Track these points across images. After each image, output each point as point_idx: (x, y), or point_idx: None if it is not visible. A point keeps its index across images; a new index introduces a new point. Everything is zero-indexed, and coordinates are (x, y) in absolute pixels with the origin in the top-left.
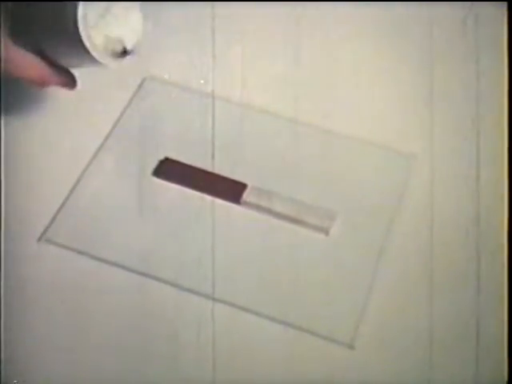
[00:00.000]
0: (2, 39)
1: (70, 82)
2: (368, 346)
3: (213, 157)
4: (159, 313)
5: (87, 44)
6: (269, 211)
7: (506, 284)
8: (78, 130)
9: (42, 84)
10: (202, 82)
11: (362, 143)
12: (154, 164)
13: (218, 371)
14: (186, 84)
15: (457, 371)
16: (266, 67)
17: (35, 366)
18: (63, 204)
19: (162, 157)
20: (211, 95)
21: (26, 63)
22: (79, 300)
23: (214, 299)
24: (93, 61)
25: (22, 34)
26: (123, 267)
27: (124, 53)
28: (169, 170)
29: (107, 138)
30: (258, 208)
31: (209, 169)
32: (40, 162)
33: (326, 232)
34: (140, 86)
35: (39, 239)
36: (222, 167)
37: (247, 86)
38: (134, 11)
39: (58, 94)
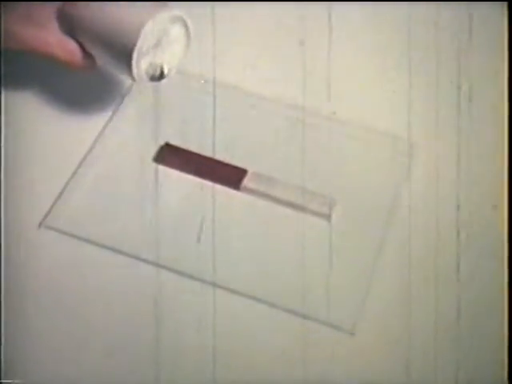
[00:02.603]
0: (49, 23)
1: (91, 65)
2: (369, 333)
3: (213, 143)
4: (160, 299)
5: (134, 72)
6: (269, 197)
7: (506, 283)
8: (79, 117)
9: (69, 65)
10: (202, 81)
11: (364, 131)
12: (154, 150)
13: (218, 358)
14: (186, 80)
15: (457, 370)
16: (267, 57)
17: (35, 356)
18: (63, 190)
19: (162, 143)
20: (212, 83)
21: (62, 46)
22: (79, 286)
23: (214, 285)
24: (131, 78)
25: (71, 29)
26: (123, 253)
27: (161, 76)
28: (169, 155)
29: (107, 124)
30: (259, 194)
31: (209, 155)
32: (40, 149)
33: (328, 218)
34: None
35: (39, 225)
36: (222, 153)
37: (248, 79)
38: (181, 40)
39: (57, 82)
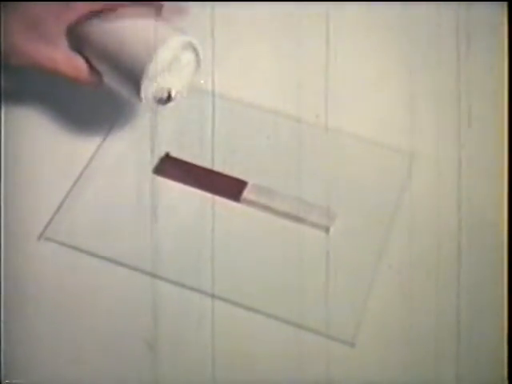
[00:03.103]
0: (58, 39)
1: (98, 82)
2: (369, 344)
3: (213, 154)
4: (159, 311)
5: (142, 96)
6: (269, 209)
7: (506, 284)
8: (78, 129)
9: (75, 81)
10: (202, 81)
11: (363, 142)
12: (154, 162)
13: (217, 370)
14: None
15: (457, 370)
16: (267, 66)
17: (35, 366)
18: (63, 202)
19: (162, 154)
20: (211, 93)
21: (70, 62)
22: (79, 297)
23: (213, 297)
24: (138, 100)
25: (80, 47)
26: (122, 265)
27: (168, 99)
28: (169, 167)
29: (106, 136)
30: (259, 206)
31: (209, 166)
32: (40, 161)
33: (327, 230)
34: None
35: (39, 237)
36: (222, 165)
37: (248, 84)
38: (191, 65)
39: (57, 95)
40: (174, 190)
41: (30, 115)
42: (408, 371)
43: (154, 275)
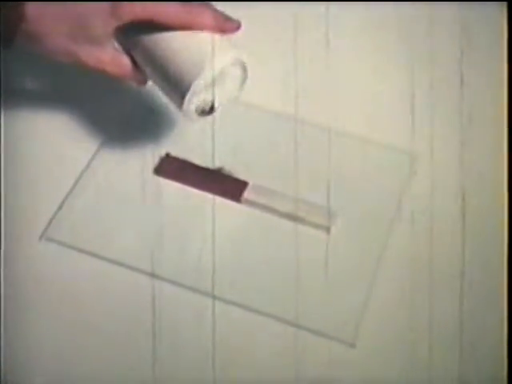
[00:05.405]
0: (104, 41)
1: (143, 80)
2: (369, 345)
3: (213, 154)
4: (159, 311)
5: (185, 108)
6: (269, 209)
7: (506, 284)
8: (80, 128)
9: (120, 79)
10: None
11: (363, 142)
12: (155, 162)
13: (217, 370)
14: None
15: (457, 370)
16: (267, 66)
17: (35, 366)
18: (64, 202)
19: (162, 154)
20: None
21: (115, 62)
22: (79, 298)
23: (214, 297)
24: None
25: (128, 49)
26: (123, 265)
27: (210, 111)
28: (170, 167)
29: (107, 136)
30: (259, 206)
31: (209, 166)
32: (40, 160)
33: (328, 230)
34: None
35: (40, 238)
36: (222, 165)
37: (248, 85)
38: (236, 80)
39: (59, 93)
40: (174, 190)
41: (31, 115)
42: (408, 371)
43: (154, 275)
